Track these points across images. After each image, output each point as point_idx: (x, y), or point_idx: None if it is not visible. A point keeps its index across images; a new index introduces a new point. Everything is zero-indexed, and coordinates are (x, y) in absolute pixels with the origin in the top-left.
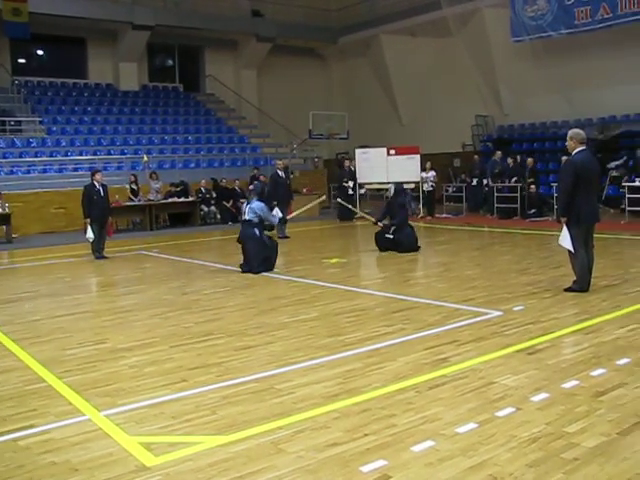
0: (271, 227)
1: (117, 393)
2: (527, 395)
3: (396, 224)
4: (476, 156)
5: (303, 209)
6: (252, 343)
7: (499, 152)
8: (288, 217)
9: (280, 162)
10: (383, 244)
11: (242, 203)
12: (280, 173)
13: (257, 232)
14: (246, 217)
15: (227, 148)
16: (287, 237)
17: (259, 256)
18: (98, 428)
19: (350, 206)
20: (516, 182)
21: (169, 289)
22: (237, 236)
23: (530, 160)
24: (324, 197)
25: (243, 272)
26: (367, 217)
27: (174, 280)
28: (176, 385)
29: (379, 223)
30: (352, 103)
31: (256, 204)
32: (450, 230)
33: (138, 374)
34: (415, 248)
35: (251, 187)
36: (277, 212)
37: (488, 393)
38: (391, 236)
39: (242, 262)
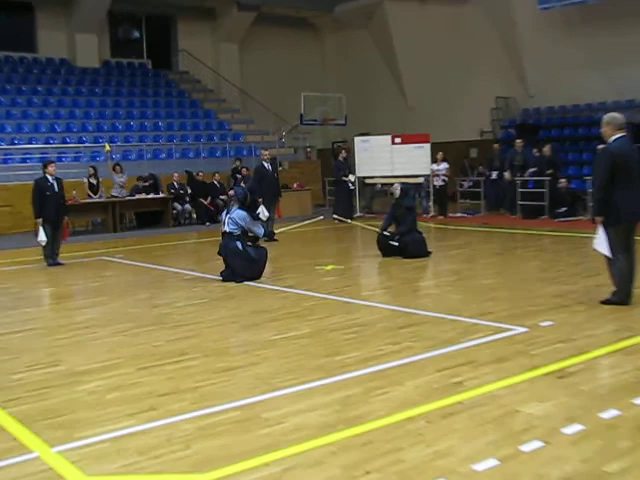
0: (255, 239)
1: (73, 425)
2: (557, 427)
3: (404, 231)
4: (496, 145)
5: (296, 225)
6: (234, 364)
7: (519, 140)
8: (277, 231)
9: (266, 152)
10: (386, 250)
11: (221, 201)
12: (266, 165)
13: (240, 246)
14: (226, 229)
15: (204, 135)
16: (275, 240)
17: (244, 272)
18: (49, 467)
19: (349, 220)
20: (537, 175)
21: (136, 301)
22: (217, 245)
23: (547, 148)
24: (321, 217)
25: (224, 280)
26: (369, 228)
27: (142, 291)
28: (144, 414)
29: (385, 233)
30: (351, 83)
31: (237, 213)
32: (466, 232)
33: (98, 402)
34: (424, 254)
35: (231, 193)
36: (263, 210)
37: (511, 424)
38: (396, 244)
39: (223, 269)
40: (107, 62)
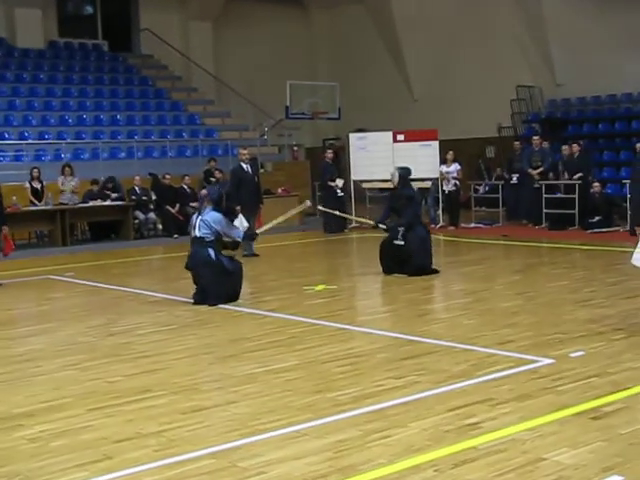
0: (235, 245)
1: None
2: (592, 477)
3: (404, 224)
4: (517, 142)
5: (279, 219)
6: (206, 403)
7: (536, 137)
8: (258, 231)
9: (245, 151)
10: (389, 259)
11: (192, 209)
12: (245, 167)
13: (212, 254)
14: (196, 233)
15: (171, 131)
16: (255, 255)
17: (217, 287)
18: None
19: (337, 212)
20: (570, 178)
21: (88, 328)
22: (185, 259)
23: (566, 147)
24: (308, 203)
25: (195, 303)
26: (362, 221)
27: (96, 315)
28: (97, 465)
29: (380, 225)
30: (345, 70)
31: (211, 215)
32: (481, 245)
33: (42, 450)
34: (428, 262)
35: (204, 192)
36: (241, 221)
37: (536, 474)
38: (402, 242)
39: (195, 291)
40: (54, 42)
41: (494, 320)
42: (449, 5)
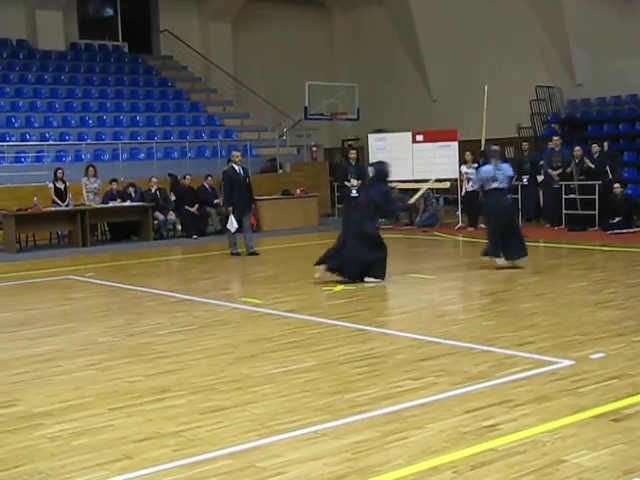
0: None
1: (31, 478)
2: None
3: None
4: (526, 143)
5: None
6: (225, 403)
7: (556, 138)
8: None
9: (238, 154)
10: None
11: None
12: (237, 169)
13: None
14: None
15: (191, 132)
16: (255, 254)
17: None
18: None
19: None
20: (592, 179)
21: (108, 328)
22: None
23: (578, 148)
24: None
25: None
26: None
27: (116, 316)
28: (117, 464)
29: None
30: (364, 71)
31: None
32: None
33: (62, 449)
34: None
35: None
36: (232, 221)
37: (556, 476)
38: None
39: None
40: (75, 44)
41: (513, 321)
42: (468, 6)
